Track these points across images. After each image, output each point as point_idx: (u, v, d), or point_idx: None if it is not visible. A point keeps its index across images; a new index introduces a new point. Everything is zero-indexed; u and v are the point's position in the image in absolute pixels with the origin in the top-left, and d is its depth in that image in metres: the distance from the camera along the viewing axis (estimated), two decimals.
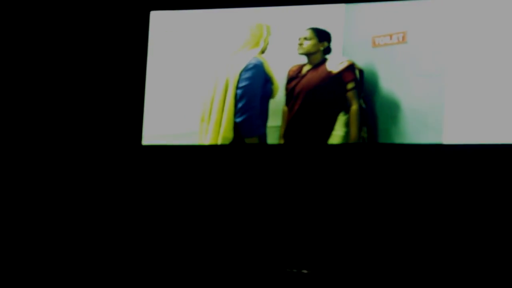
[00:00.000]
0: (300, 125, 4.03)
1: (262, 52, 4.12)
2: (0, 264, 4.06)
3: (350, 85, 3.97)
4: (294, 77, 4.08)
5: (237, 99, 4.08)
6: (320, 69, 4.03)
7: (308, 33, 4.08)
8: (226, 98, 4.10)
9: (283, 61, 4.11)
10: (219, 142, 4.07)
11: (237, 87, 4.09)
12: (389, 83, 3.95)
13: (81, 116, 4.26)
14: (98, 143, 4.22)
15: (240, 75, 4.10)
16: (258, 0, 4.13)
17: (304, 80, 4.05)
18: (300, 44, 4.07)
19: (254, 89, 4.08)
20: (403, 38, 3.93)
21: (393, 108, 3.91)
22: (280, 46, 4.11)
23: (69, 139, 4.25)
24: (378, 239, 3.80)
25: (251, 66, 4.10)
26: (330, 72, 4.01)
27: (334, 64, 4.01)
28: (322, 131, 3.98)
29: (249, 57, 4.11)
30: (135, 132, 4.16)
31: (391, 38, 3.96)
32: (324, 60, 4.04)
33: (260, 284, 3.79)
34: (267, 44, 4.12)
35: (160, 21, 4.23)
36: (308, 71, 4.05)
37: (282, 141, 4.03)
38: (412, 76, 3.91)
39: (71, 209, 4.16)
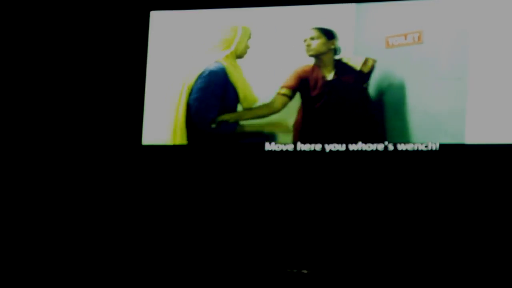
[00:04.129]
0: (329, 132, 3.92)
1: (239, 56, 4.03)
2: (0, 264, 4.06)
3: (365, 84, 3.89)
4: (318, 84, 3.94)
5: (191, 110, 4.03)
6: (350, 72, 3.91)
7: (314, 33, 3.97)
8: (179, 105, 4.05)
9: (292, 63, 4.01)
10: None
11: (190, 95, 4.03)
12: (404, 87, 3.80)
13: (81, 116, 4.26)
14: (98, 143, 4.22)
15: (195, 82, 4.04)
16: (262, 0, 4.11)
17: (336, 88, 3.92)
18: (308, 46, 3.96)
19: (208, 100, 4.01)
20: (419, 38, 3.79)
21: (409, 113, 3.78)
22: (289, 47, 4.01)
23: (69, 139, 4.25)
24: (383, 239, 3.79)
25: (206, 73, 4.03)
26: (361, 72, 3.87)
27: (359, 62, 3.88)
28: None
29: (211, 61, 4.05)
30: (135, 132, 4.16)
31: (405, 38, 3.81)
32: (343, 63, 3.91)
33: (260, 284, 3.78)
34: (245, 47, 4.03)
35: (160, 21, 4.22)
36: (338, 77, 3.92)
37: (292, 146, 3.94)
38: (430, 79, 3.76)
39: (71, 209, 4.16)
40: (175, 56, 4.18)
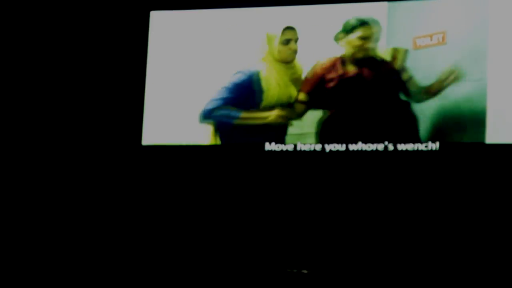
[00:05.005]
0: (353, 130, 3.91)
1: (280, 60, 4.00)
2: (0, 264, 4.06)
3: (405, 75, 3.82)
4: (334, 80, 3.93)
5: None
6: (378, 65, 3.88)
7: (375, 31, 3.88)
8: None
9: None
10: None
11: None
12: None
13: (82, 116, 4.26)
14: (98, 143, 4.22)
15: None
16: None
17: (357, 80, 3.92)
18: (364, 46, 3.88)
19: (221, 94, 4.03)
20: (443, 38, 3.78)
21: (433, 114, 3.77)
22: (317, 45, 3.98)
23: (70, 139, 4.25)
24: (383, 240, 3.79)
25: (235, 72, 4.03)
26: (391, 64, 3.85)
27: (384, 52, 3.86)
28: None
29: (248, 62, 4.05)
30: (135, 132, 4.16)
31: (431, 39, 3.81)
32: (370, 57, 3.88)
33: (260, 284, 3.78)
34: (282, 52, 4.00)
35: (160, 21, 4.22)
36: (362, 70, 3.90)
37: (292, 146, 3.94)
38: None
39: (71, 209, 4.16)
40: (175, 56, 4.19)
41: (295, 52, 4.02)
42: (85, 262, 4.04)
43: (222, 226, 3.99)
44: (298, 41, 4.02)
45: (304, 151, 3.94)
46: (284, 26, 4.02)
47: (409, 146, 3.80)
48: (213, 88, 4.08)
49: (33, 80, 4.31)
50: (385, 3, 3.91)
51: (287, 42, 4.03)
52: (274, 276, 3.77)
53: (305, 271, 3.76)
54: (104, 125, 4.22)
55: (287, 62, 4.03)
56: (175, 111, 4.15)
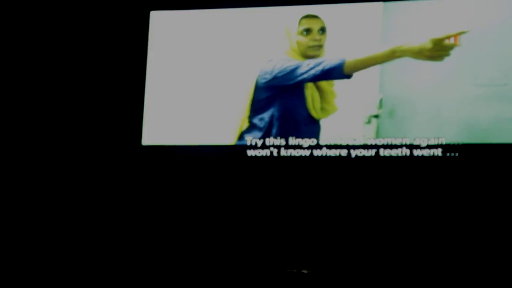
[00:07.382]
0: None
1: (303, 55, 3.75)
2: (0, 264, 4.06)
3: None
4: None
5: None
6: None
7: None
8: (249, 103, 4.03)
9: None
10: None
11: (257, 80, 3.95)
12: (438, 95, 3.55)
13: (81, 116, 4.26)
14: (98, 143, 4.22)
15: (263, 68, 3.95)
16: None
17: None
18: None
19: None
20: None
21: (444, 123, 3.55)
22: None
23: (69, 139, 4.24)
24: (384, 240, 3.80)
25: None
26: None
27: None
28: None
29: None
30: (135, 132, 4.16)
31: None
32: None
33: (260, 284, 3.78)
34: (301, 45, 3.75)
35: (160, 21, 4.22)
36: None
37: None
38: (468, 86, 3.51)
39: (71, 209, 4.16)
40: (175, 56, 4.19)
41: (319, 44, 3.71)
42: (85, 262, 4.04)
43: (222, 226, 3.99)
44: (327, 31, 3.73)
45: (304, 149, 3.94)
46: (302, 15, 3.73)
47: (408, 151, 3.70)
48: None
49: (32, 80, 4.31)
50: (381, 3, 3.73)
51: (307, 32, 3.71)
52: (274, 276, 3.78)
53: (305, 271, 3.76)
54: (104, 125, 4.22)
55: (312, 56, 3.72)
56: (175, 111, 4.14)
